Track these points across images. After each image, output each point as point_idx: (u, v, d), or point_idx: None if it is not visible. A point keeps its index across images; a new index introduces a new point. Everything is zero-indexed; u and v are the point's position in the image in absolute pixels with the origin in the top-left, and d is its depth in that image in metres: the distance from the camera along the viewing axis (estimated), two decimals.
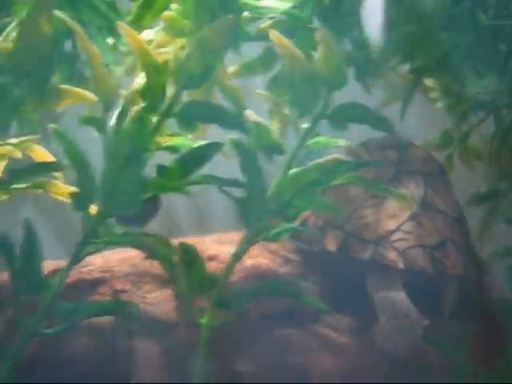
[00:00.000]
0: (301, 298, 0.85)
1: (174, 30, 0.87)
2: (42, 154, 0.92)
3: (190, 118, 0.82)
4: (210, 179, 0.82)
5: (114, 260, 0.93)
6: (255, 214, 0.82)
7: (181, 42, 0.88)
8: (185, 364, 0.82)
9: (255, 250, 0.92)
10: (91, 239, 0.79)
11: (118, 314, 0.81)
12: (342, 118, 0.83)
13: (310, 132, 0.84)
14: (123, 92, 0.82)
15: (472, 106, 1.02)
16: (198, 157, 0.81)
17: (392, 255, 0.89)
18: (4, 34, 0.88)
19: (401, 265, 0.88)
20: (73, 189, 0.89)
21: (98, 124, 0.81)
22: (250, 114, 0.80)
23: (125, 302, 0.83)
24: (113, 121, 0.79)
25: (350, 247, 0.90)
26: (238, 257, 0.84)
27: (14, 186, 0.85)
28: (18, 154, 0.93)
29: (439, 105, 1.06)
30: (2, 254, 0.78)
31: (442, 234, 0.91)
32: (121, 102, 0.81)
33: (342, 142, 0.87)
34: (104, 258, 0.93)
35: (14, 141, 0.89)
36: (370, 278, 0.92)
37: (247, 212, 0.82)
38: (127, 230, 0.88)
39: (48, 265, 0.84)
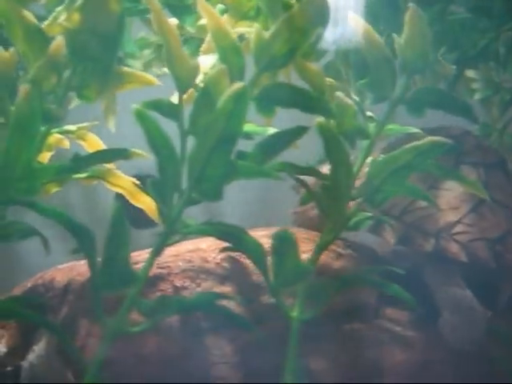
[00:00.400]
0: (388, 289, 0.81)
1: (239, 13, 0.83)
2: (95, 143, 0.86)
3: (270, 102, 0.78)
4: (289, 167, 0.78)
5: (168, 256, 0.87)
6: (339, 203, 0.78)
7: (244, 25, 0.85)
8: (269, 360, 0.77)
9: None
10: (176, 229, 0.73)
11: (206, 310, 0.75)
12: (422, 103, 0.81)
13: (389, 117, 0.81)
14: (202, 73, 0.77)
15: None
16: (281, 142, 0.76)
17: (454, 248, 0.87)
18: (54, 13, 0.82)
19: (463, 258, 0.87)
20: (133, 180, 0.84)
21: (171, 107, 0.76)
22: (341, 97, 0.76)
23: (215, 294, 0.77)
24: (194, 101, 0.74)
25: (412, 239, 0.88)
26: (321, 249, 0.79)
27: (76, 175, 0.79)
28: (66, 144, 0.87)
29: (477, 96, 1.06)
30: (83, 246, 0.71)
31: (503, 227, 0.90)
32: (201, 83, 0.75)
33: (413, 130, 0.85)
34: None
35: (72, 127, 0.83)
36: (428, 271, 0.90)
37: (331, 201, 0.78)
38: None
39: None
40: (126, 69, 0.82)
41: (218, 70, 0.71)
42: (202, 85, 0.75)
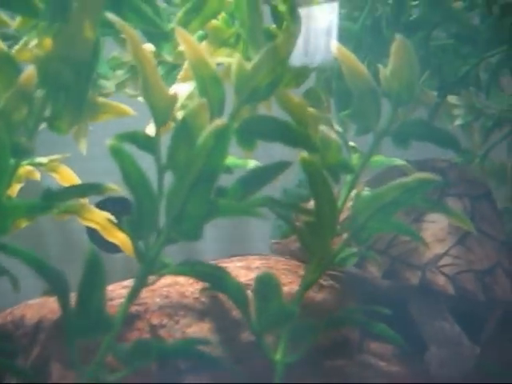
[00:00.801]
0: (374, 328, 0.79)
1: (219, 40, 0.80)
2: (68, 175, 0.82)
3: (251, 135, 0.75)
4: (271, 202, 0.75)
5: (144, 291, 0.83)
6: (324, 240, 0.76)
7: (224, 52, 0.82)
8: None
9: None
10: (152, 269, 0.70)
11: (189, 356, 0.72)
12: (407, 135, 0.78)
13: (374, 149, 0.79)
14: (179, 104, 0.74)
15: (496, 122, 1.01)
16: (262, 177, 0.73)
17: (441, 280, 0.85)
18: (25, 39, 0.78)
19: (450, 290, 0.85)
20: (107, 216, 0.80)
21: (147, 140, 0.72)
22: (326, 131, 0.73)
23: (194, 340, 0.74)
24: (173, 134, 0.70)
25: (398, 273, 0.86)
26: (306, 287, 0.76)
27: (47, 210, 0.75)
28: (37, 176, 0.83)
29: (458, 122, 1.04)
30: (56, 290, 0.67)
31: (491, 258, 0.88)
32: (179, 115, 0.72)
33: (399, 162, 0.83)
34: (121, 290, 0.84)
35: (43, 159, 0.80)
36: (414, 305, 0.88)
37: (316, 237, 0.75)
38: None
39: None
40: (100, 99, 0.78)
41: (197, 104, 0.68)
42: (179, 116, 0.71)
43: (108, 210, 0.89)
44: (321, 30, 0.81)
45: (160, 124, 0.72)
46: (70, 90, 0.74)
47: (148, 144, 0.71)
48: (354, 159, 0.78)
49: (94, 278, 0.64)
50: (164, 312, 0.82)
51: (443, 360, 0.84)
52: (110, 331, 0.66)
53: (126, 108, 0.79)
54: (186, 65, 0.82)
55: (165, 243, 0.70)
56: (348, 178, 0.78)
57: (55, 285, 0.67)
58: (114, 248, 0.90)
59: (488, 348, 0.89)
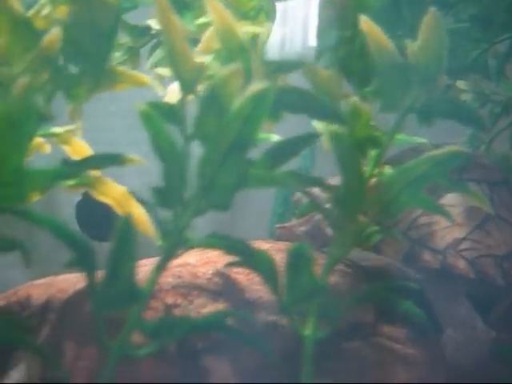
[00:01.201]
0: (401, 305, 0.77)
1: (239, 13, 0.78)
2: (82, 148, 0.79)
3: (278, 107, 0.73)
4: (296, 176, 0.73)
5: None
6: (351, 215, 0.74)
7: (245, 24, 0.80)
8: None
9: None
10: (182, 241, 0.67)
11: (219, 330, 0.69)
12: (432, 112, 0.77)
13: (399, 126, 0.78)
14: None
15: (503, 108, 1.01)
16: (291, 149, 0.71)
17: (461, 264, 0.85)
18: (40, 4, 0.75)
19: (471, 274, 0.84)
20: (124, 189, 0.77)
21: (172, 110, 0.70)
22: (357, 102, 0.72)
23: (225, 312, 0.71)
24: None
25: (418, 256, 0.85)
26: (333, 263, 0.75)
27: (65, 182, 0.72)
28: (47, 149, 0.80)
29: None
30: (81, 260, 0.64)
31: (509, 244, 0.88)
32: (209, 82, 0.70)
33: (421, 140, 0.81)
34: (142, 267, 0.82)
35: (58, 129, 0.76)
36: (432, 288, 0.87)
37: (343, 214, 0.74)
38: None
39: None
40: (119, 68, 0.75)
41: (231, 70, 0.65)
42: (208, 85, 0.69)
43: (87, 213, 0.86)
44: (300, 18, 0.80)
45: (186, 93, 0.70)
46: (90, 57, 0.71)
47: (173, 114, 0.69)
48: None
49: (126, 247, 0.61)
50: (178, 292, 0.79)
51: (459, 343, 0.84)
52: (139, 302, 0.63)
53: (144, 77, 0.76)
54: (205, 37, 0.80)
55: (193, 214, 0.67)
56: (373, 153, 0.76)
57: (81, 255, 0.64)
58: (103, 236, 0.87)
59: (503, 332, 0.88)
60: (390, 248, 0.86)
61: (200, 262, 0.83)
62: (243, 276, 0.82)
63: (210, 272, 0.81)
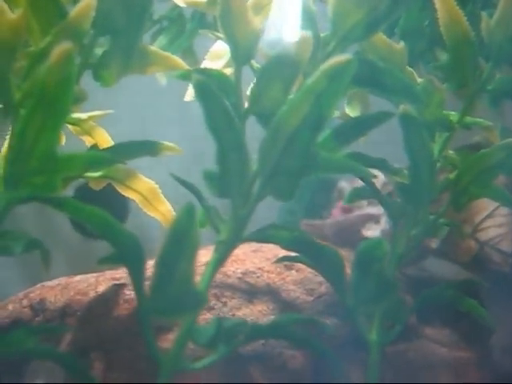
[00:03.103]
0: (463, 304, 0.71)
1: None
2: (104, 139, 0.70)
3: None
4: (360, 159, 0.65)
5: None
6: (420, 205, 0.66)
7: None
8: None
9: None
10: (242, 232, 0.58)
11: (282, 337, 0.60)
12: (505, 94, 0.70)
13: (470, 107, 0.70)
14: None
15: None
16: (359, 129, 0.63)
17: None
18: None
19: None
20: (153, 183, 0.68)
21: (225, 81, 0.61)
22: (432, 81, 0.63)
23: (292, 318, 0.62)
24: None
25: (489, 258, 0.81)
26: (398, 260, 0.66)
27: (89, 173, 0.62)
28: (61, 140, 0.70)
29: None
30: (129, 260, 0.54)
31: None
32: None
33: (488, 123, 0.74)
34: None
35: (82, 115, 0.67)
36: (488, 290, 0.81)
37: (411, 203, 0.65)
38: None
39: None
40: (151, 48, 0.66)
41: (301, 38, 0.56)
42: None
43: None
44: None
45: (242, 62, 0.61)
46: (120, 34, 0.62)
47: (226, 85, 0.60)
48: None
49: (184, 242, 0.52)
50: (210, 293, 0.71)
51: (507, 347, 0.81)
52: (197, 308, 0.53)
53: (178, 60, 0.66)
54: None
55: (254, 204, 0.58)
56: (442, 136, 0.68)
57: (127, 251, 0.54)
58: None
59: None
60: (460, 250, 0.80)
61: (228, 260, 0.75)
62: (275, 275, 0.76)
63: (240, 271, 0.75)
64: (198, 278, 0.60)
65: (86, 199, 0.70)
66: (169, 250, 0.52)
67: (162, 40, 0.96)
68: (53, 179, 0.55)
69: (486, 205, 0.82)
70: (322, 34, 0.65)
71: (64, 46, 0.51)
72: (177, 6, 0.81)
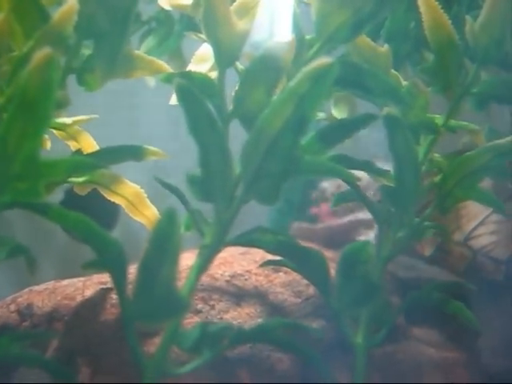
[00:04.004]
0: (449, 306, 0.71)
1: None
2: (89, 144, 0.69)
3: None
4: (345, 160, 0.65)
5: None
6: (405, 208, 0.65)
7: None
8: None
9: None
10: (225, 236, 0.58)
11: (267, 342, 0.60)
12: (488, 96, 0.70)
13: (455, 110, 0.70)
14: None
15: None
16: (343, 131, 0.63)
17: None
18: None
19: None
20: (138, 188, 0.68)
21: (208, 84, 0.61)
22: (417, 83, 0.63)
23: (277, 322, 0.62)
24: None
25: (482, 267, 0.81)
26: (384, 262, 0.66)
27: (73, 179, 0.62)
28: (47, 145, 0.70)
29: None
30: (112, 265, 0.54)
31: None
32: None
33: (474, 127, 0.74)
34: None
35: (67, 120, 0.66)
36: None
37: (394, 205, 0.65)
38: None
39: None
40: (136, 52, 0.66)
41: (284, 40, 0.56)
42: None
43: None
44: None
45: (226, 65, 0.61)
46: (104, 38, 0.61)
47: (209, 88, 0.60)
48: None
49: (166, 246, 0.52)
50: (197, 296, 0.71)
51: (496, 349, 0.81)
52: (180, 313, 0.53)
53: (163, 64, 0.66)
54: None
55: (238, 208, 0.58)
56: (427, 139, 0.68)
57: (110, 257, 0.54)
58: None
59: None
60: (453, 258, 0.81)
61: (215, 263, 0.75)
62: (263, 278, 0.76)
63: (227, 274, 0.74)
64: (182, 282, 0.60)
65: (75, 204, 0.70)
66: (151, 254, 0.52)
67: (151, 41, 0.96)
68: (36, 185, 0.55)
69: (477, 212, 0.82)
70: (307, 37, 0.65)
71: (45, 51, 0.51)
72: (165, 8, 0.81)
